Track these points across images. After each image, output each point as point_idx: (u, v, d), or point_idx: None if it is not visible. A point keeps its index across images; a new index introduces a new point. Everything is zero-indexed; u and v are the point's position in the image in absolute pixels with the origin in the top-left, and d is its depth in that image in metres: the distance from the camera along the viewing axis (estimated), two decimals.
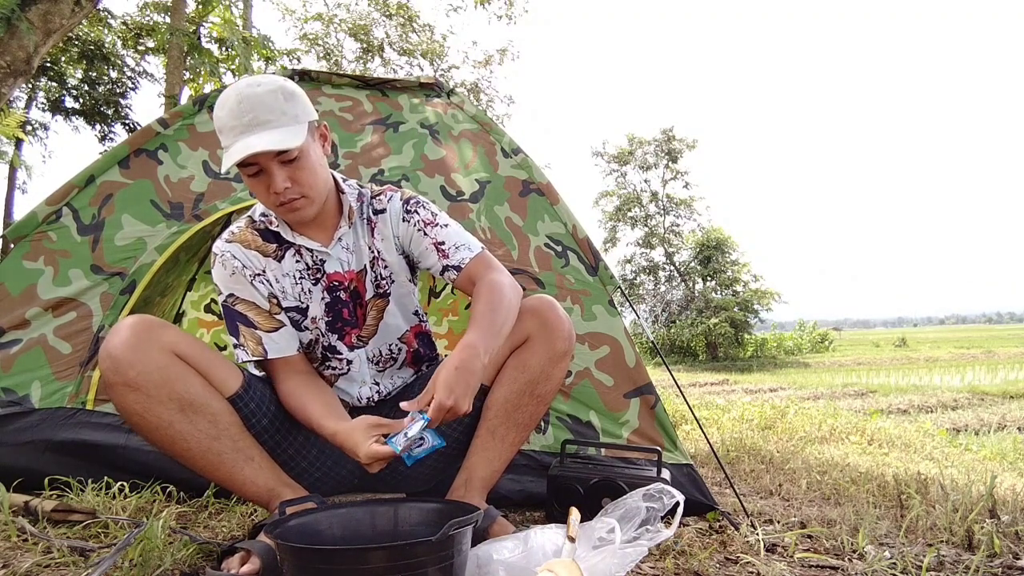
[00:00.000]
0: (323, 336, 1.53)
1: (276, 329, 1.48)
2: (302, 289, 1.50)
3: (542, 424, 1.92)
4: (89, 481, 1.76)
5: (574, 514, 1.24)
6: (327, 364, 1.57)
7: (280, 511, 1.25)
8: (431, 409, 1.18)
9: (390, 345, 1.59)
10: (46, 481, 1.74)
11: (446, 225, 1.51)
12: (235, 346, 1.48)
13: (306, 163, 1.34)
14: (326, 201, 1.44)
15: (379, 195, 1.54)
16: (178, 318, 3.13)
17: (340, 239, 1.49)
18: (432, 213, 1.52)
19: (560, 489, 1.68)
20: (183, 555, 1.30)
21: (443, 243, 1.49)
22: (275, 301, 1.49)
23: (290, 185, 1.33)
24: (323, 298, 1.51)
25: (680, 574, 1.33)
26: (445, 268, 1.48)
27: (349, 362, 1.56)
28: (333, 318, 1.53)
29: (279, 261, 1.49)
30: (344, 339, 1.55)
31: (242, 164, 1.31)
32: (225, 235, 1.50)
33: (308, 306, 1.51)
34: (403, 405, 1.23)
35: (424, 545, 0.99)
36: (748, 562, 1.41)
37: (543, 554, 1.17)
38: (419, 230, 1.50)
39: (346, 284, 1.51)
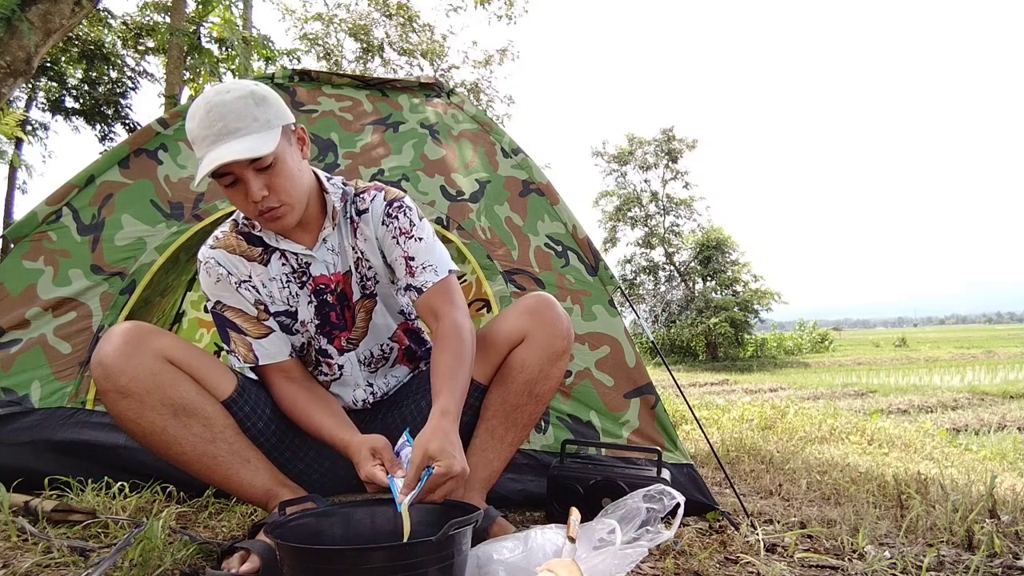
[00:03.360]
0: (314, 339, 1.52)
1: (265, 335, 1.47)
2: (290, 293, 1.48)
3: (542, 424, 1.92)
4: (89, 481, 1.76)
5: (574, 514, 1.24)
6: (319, 370, 1.56)
7: (280, 511, 1.25)
8: (439, 476, 1.13)
9: (381, 345, 1.58)
10: (46, 481, 1.74)
11: (421, 239, 1.45)
12: (227, 352, 1.48)
13: (282, 169, 1.30)
14: (309, 203, 1.41)
15: (362, 193, 1.50)
16: (178, 318, 3.13)
17: (325, 240, 1.46)
18: (411, 222, 1.46)
19: (560, 489, 1.68)
20: (183, 555, 1.30)
21: (412, 258, 1.44)
22: (263, 307, 1.47)
23: (267, 193, 1.29)
24: (310, 301, 1.49)
25: (680, 574, 1.33)
26: (408, 287, 1.44)
27: (340, 367, 1.55)
28: (322, 321, 1.51)
29: (265, 265, 1.47)
30: (334, 342, 1.53)
31: (217, 175, 1.27)
32: (210, 240, 1.48)
33: (297, 309, 1.49)
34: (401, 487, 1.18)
35: (424, 545, 0.99)
36: (748, 562, 1.41)
37: (543, 554, 1.17)
38: (393, 237, 1.46)
39: (332, 287, 1.49)
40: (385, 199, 1.48)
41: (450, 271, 1.46)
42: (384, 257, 1.51)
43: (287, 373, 1.48)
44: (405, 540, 1.11)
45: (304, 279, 1.48)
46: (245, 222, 1.48)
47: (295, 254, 1.46)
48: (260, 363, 1.46)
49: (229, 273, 1.45)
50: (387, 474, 1.22)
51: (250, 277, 1.46)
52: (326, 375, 1.57)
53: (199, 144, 1.26)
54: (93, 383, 1.89)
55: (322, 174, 1.48)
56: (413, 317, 1.64)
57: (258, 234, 1.46)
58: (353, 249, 1.49)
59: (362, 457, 1.25)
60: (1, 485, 1.57)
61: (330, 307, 1.50)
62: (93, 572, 1.16)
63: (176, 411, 1.31)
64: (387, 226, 1.47)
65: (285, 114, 1.33)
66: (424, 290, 1.42)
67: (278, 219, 1.34)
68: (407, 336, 1.62)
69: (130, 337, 1.29)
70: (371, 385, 1.60)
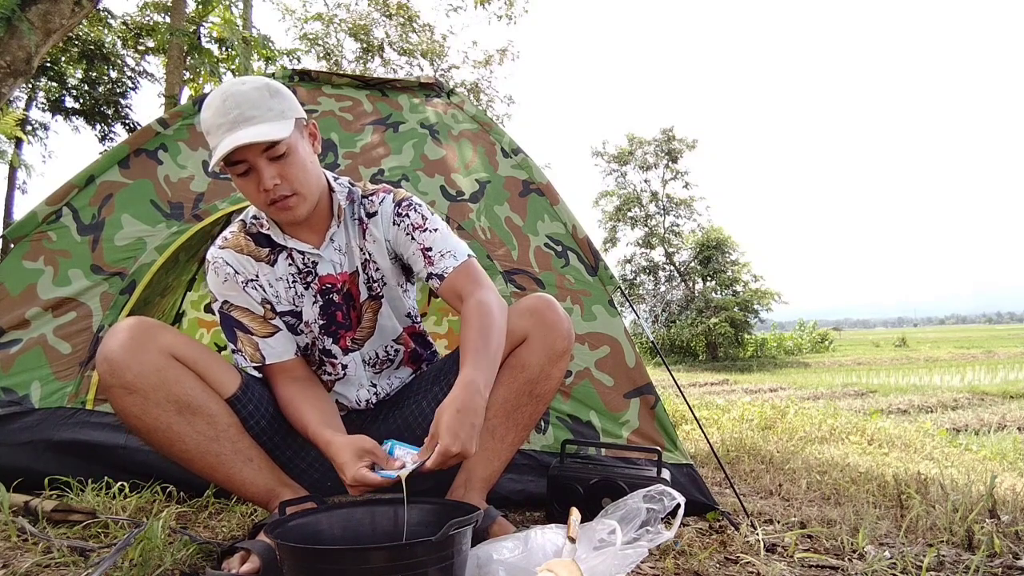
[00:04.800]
0: (318, 339, 1.52)
1: (272, 334, 1.47)
2: (295, 293, 1.48)
3: (542, 424, 1.92)
4: (89, 481, 1.76)
5: (574, 514, 1.24)
6: (323, 369, 1.56)
7: (280, 511, 1.25)
8: (436, 454, 1.14)
9: (386, 347, 1.58)
10: (46, 481, 1.74)
11: (435, 229, 1.47)
12: (233, 351, 1.47)
13: (295, 159, 1.31)
14: (318, 201, 1.42)
15: (371, 195, 1.50)
16: (178, 318, 3.13)
17: (332, 240, 1.47)
18: (423, 217, 1.47)
19: (560, 489, 1.68)
20: (183, 555, 1.30)
21: (430, 249, 1.45)
22: (269, 307, 1.48)
23: (280, 182, 1.30)
24: (315, 301, 1.49)
25: (680, 574, 1.33)
26: (430, 275, 1.44)
27: (344, 366, 1.55)
28: (327, 321, 1.51)
29: (272, 265, 1.47)
30: (339, 342, 1.53)
31: (230, 164, 1.28)
32: (219, 240, 1.48)
33: (302, 310, 1.49)
34: (414, 457, 1.20)
35: (424, 545, 0.99)
36: (748, 562, 1.41)
37: (543, 554, 1.17)
38: (407, 234, 1.46)
39: (339, 286, 1.50)
40: (394, 200, 1.50)
41: (469, 255, 1.46)
42: (395, 258, 1.51)
43: (291, 373, 1.48)
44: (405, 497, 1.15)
45: (309, 279, 1.48)
46: (253, 222, 1.48)
47: (302, 253, 1.47)
48: (267, 362, 1.46)
49: (236, 272, 1.45)
50: (378, 471, 1.20)
51: (257, 276, 1.47)
52: (330, 374, 1.57)
53: (214, 132, 1.28)
54: (93, 383, 1.89)
55: (329, 174, 1.49)
56: (419, 320, 1.64)
57: (265, 233, 1.46)
58: (361, 250, 1.50)
59: (346, 458, 1.22)
60: (1, 485, 1.57)
61: (336, 307, 1.51)
62: (93, 572, 1.16)
63: (180, 408, 1.31)
64: (398, 225, 1.47)
65: (298, 108, 1.36)
66: (445, 275, 1.43)
67: (289, 209, 1.34)
68: (413, 339, 1.62)
69: (136, 333, 1.29)
70: (374, 385, 1.60)
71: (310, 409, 1.41)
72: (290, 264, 1.47)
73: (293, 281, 1.48)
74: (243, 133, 1.25)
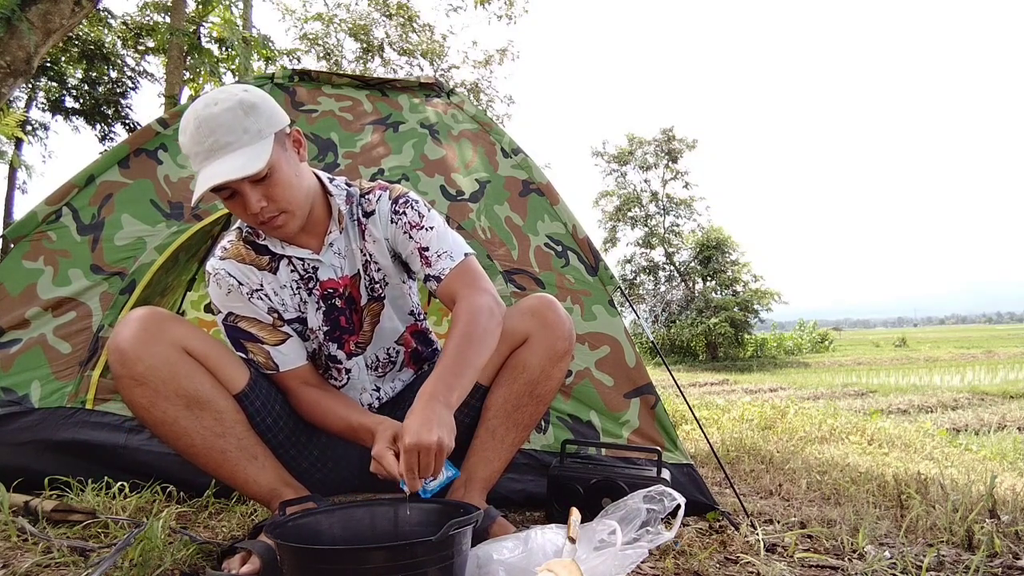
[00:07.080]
0: (324, 345, 1.51)
1: (283, 341, 1.45)
2: (300, 299, 1.47)
3: (542, 423, 1.92)
4: (89, 481, 1.76)
5: (575, 514, 1.25)
6: (328, 375, 1.55)
7: (280, 511, 1.25)
8: (402, 455, 1.12)
9: (387, 349, 1.57)
10: (46, 481, 1.74)
11: (432, 228, 1.44)
12: (245, 361, 1.45)
13: (279, 178, 1.27)
14: (313, 207, 1.39)
15: (367, 193, 1.48)
16: None
17: (331, 244, 1.45)
18: (419, 214, 1.45)
19: (560, 489, 1.68)
20: (183, 555, 1.30)
21: (427, 248, 1.43)
22: (276, 315, 1.46)
23: (266, 203, 1.27)
24: (319, 307, 1.48)
25: (680, 574, 1.34)
26: (427, 277, 1.43)
27: (348, 371, 1.55)
28: (331, 327, 1.49)
29: (274, 273, 1.45)
30: (343, 347, 1.52)
31: (214, 189, 1.24)
32: (218, 251, 1.46)
33: (307, 316, 1.48)
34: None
35: (424, 545, 0.99)
36: (748, 562, 1.41)
37: (543, 554, 1.17)
38: (405, 232, 1.44)
39: (340, 291, 1.48)
40: (390, 197, 1.47)
41: (466, 254, 1.45)
42: (395, 256, 1.49)
43: (304, 378, 1.47)
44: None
45: (311, 285, 1.46)
46: (249, 230, 1.46)
47: (301, 259, 1.45)
48: (281, 370, 1.45)
49: (240, 284, 1.43)
50: (399, 473, 1.20)
51: (262, 286, 1.45)
52: (335, 380, 1.55)
53: (192, 159, 1.25)
54: (93, 383, 1.89)
55: (324, 175, 1.46)
56: (422, 318, 1.63)
57: (263, 242, 1.44)
58: (362, 252, 1.48)
59: (382, 436, 1.21)
60: (1, 485, 1.57)
61: (339, 311, 1.49)
62: (93, 572, 1.16)
63: (189, 403, 1.31)
64: (396, 223, 1.45)
65: (277, 119, 1.30)
66: (443, 278, 1.41)
67: (279, 227, 1.33)
68: (414, 339, 1.61)
69: (148, 324, 1.28)
70: (378, 389, 1.59)
71: (343, 406, 1.41)
72: (292, 271, 1.45)
73: (297, 288, 1.46)
74: (219, 166, 1.21)
